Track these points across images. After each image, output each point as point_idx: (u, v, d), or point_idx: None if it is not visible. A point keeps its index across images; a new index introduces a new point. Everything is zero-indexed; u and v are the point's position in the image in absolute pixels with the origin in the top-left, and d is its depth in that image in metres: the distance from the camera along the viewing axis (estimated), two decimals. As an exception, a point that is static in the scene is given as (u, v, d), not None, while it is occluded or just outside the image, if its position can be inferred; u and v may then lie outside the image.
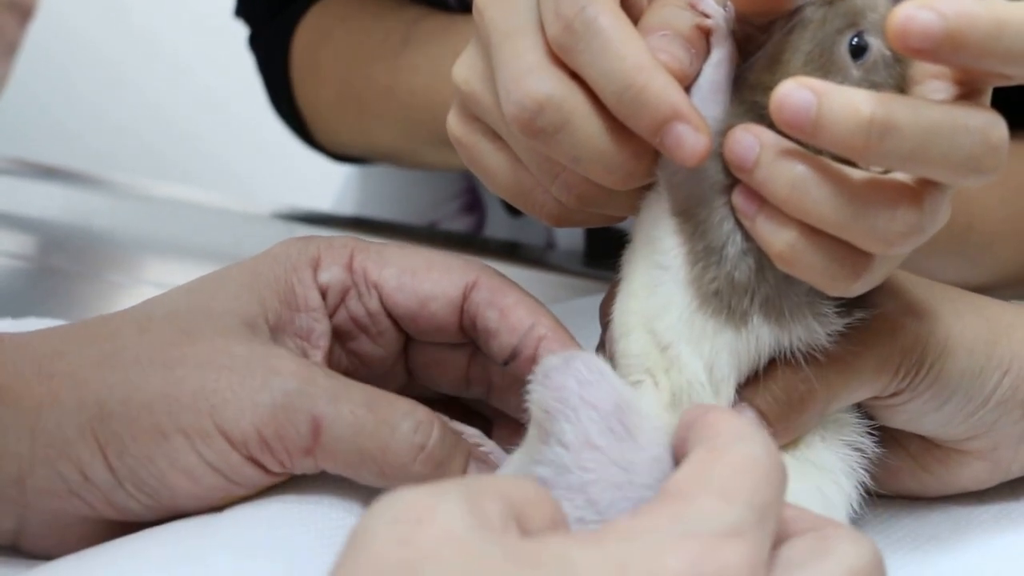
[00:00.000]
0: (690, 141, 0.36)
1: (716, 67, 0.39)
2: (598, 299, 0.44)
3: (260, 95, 0.75)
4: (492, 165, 0.42)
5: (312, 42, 0.70)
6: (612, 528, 0.30)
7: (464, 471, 0.39)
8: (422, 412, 0.39)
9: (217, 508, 0.39)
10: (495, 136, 0.41)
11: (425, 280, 0.42)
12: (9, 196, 0.71)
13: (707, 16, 0.39)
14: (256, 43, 0.74)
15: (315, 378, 0.38)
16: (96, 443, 0.38)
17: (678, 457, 0.36)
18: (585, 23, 0.37)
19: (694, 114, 0.36)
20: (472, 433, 0.42)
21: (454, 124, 0.43)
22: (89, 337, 0.40)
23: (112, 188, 0.74)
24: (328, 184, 0.94)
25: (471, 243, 0.43)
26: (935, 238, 0.49)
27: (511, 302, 0.42)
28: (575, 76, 0.38)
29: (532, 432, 0.37)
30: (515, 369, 0.43)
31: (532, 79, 0.37)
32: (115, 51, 1.86)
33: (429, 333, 0.43)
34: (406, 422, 0.38)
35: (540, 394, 0.36)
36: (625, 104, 0.37)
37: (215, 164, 1.83)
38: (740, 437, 0.33)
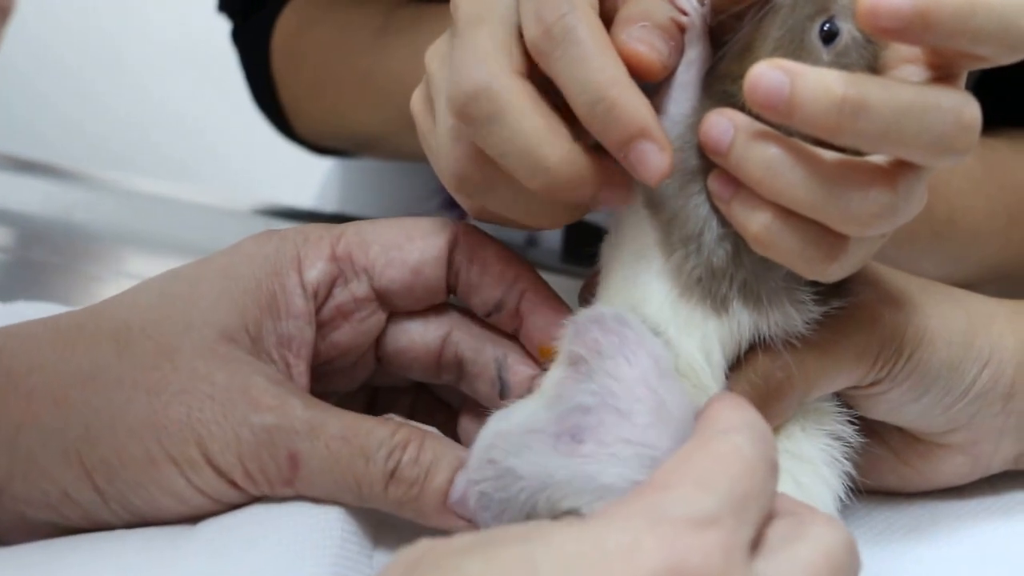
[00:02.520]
0: (654, 160, 0.37)
1: (688, 67, 0.40)
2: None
3: (243, 90, 0.75)
4: (431, 142, 0.42)
5: (292, 31, 0.71)
6: (594, 514, 0.31)
7: (449, 481, 0.39)
8: (400, 435, 0.40)
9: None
10: None
11: (412, 250, 0.43)
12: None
13: (684, 13, 0.39)
14: (238, 37, 0.75)
15: (292, 411, 0.39)
16: (82, 467, 0.39)
17: None
18: (564, 31, 0.37)
19: (660, 134, 0.37)
20: (429, 431, 0.42)
21: (416, 101, 0.43)
22: (65, 349, 0.40)
23: (91, 182, 0.74)
24: (310, 179, 0.95)
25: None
26: (916, 232, 0.50)
27: (492, 256, 0.43)
28: (528, 75, 0.38)
29: (558, 374, 0.39)
30: (497, 321, 0.43)
31: (476, 65, 0.38)
32: (95, 45, 1.86)
33: (420, 300, 0.44)
34: (380, 451, 0.39)
35: (595, 334, 0.38)
36: (596, 117, 0.37)
37: (198, 159, 1.83)
38: (729, 428, 0.34)
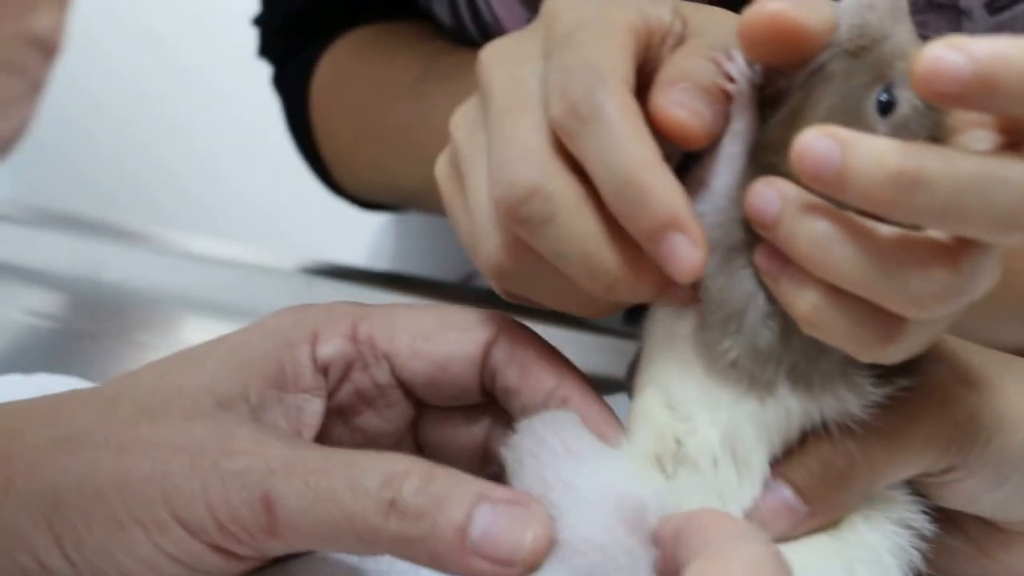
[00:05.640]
0: (685, 254, 0.35)
1: (734, 138, 0.38)
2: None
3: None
4: (460, 219, 0.41)
5: (330, 81, 0.71)
6: None
7: (468, 515, 0.35)
8: (399, 464, 0.36)
9: None
10: None
11: (441, 343, 0.41)
12: (29, 248, 0.72)
13: (731, 79, 0.38)
14: (279, 83, 0.75)
15: (267, 450, 0.37)
16: (51, 533, 0.38)
17: (667, 570, 0.35)
18: (592, 109, 0.36)
19: (694, 226, 0.35)
20: None
21: (441, 169, 0.42)
22: (50, 417, 0.40)
23: (133, 238, 0.74)
24: (361, 237, 0.94)
25: (503, 301, 0.42)
26: (999, 300, 0.47)
27: (533, 359, 0.41)
28: (576, 167, 0.37)
29: None
30: None
31: (524, 164, 0.37)
32: (146, 97, 1.90)
33: (449, 397, 0.42)
34: (371, 479, 0.36)
35: (504, 456, 0.37)
36: (623, 202, 0.36)
37: (248, 215, 1.85)
38: (740, 538, 0.32)
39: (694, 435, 0.38)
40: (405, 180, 0.67)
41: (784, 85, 0.38)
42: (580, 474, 0.37)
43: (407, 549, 0.36)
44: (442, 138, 0.42)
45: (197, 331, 0.67)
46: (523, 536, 0.35)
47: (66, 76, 1.17)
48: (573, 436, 0.38)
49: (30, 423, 0.39)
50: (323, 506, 0.36)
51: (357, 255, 0.91)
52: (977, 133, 0.36)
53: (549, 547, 0.35)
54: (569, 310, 0.40)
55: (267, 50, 0.75)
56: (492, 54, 0.40)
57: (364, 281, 0.71)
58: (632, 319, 0.65)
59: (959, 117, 0.37)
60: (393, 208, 0.77)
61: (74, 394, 0.41)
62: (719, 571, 0.31)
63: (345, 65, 0.70)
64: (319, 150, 0.72)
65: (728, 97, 0.38)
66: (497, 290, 0.41)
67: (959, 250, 0.34)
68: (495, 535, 0.35)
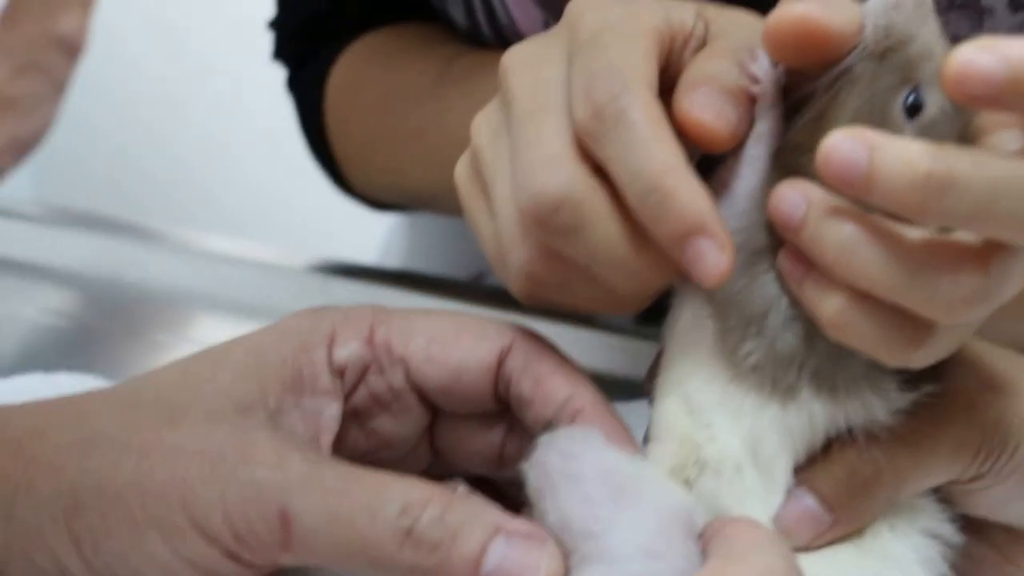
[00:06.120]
0: (711, 259, 0.35)
1: (757, 141, 0.38)
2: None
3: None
4: (483, 226, 0.40)
5: (345, 83, 0.70)
6: None
7: (483, 548, 0.35)
8: (418, 492, 0.36)
9: None
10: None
11: (456, 349, 0.41)
12: (47, 247, 0.72)
13: (755, 81, 0.37)
14: (293, 86, 0.74)
15: (288, 464, 0.37)
16: (70, 535, 0.37)
17: None
18: (617, 113, 0.35)
19: (720, 230, 0.35)
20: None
21: (461, 173, 0.42)
22: (71, 417, 0.39)
23: (151, 238, 0.74)
24: (374, 235, 0.94)
25: (515, 299, 0.42)
26: (1020, 300, 0.46)
27: (547, 369, 0.41)
28: (598, 169, 0.37)
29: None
30: None
31: (551, 173, 0.36)
32: (165, 96, 1.90)
33: (462, 405, 0.42)
34: (390, 506, 0.36)
35: (526, 473, 0.36)
36: (648, 207, 0.35)
37: (264, 214, 1.85)
38: (756, 546, 0.32)
39: (715, 441, 0.38)
40: (420, 183, 0.67)
41: (809, 88, 0.37)
42: (625, 487, 0.36)
43: None
44: (458, 141, 0.42)
45: (214, 330, 0.67)
46: (536, 571, 0.35)
47: (88, 77, 1.17)
48: (604, 450, 0.37)
49: (52, 423, 0.39)
50: (339, 528, 0.35)
51: (369, 254, 0.91)
52: (1006, 134, 0.36)
53: None
54: (599, 310, 0.40)
55: (282, 53, 0.74)
56: (515, 58, 0.40)
57: (377, 280, 0.71)
58: (646, 319, 0.65)
59: (987, 118, 0.36)
60: (406, 209, 0.77)
61: (95, 394, 0.41)
62: (730, 574, 0.31)
63: (360, 68, 0.70)
64: (333, 152, 0.72)
65: (752, 99, 0.37)
66: (519, 296, 0.40)
67: (988, 253, 0.34)
68: (509, 568, 0.35)
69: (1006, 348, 0.42)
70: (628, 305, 0.40)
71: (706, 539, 0.35)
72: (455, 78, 0.63)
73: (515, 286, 0.40)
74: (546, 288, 0.39)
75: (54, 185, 1.80)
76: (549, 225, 0.36)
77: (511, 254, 0.39)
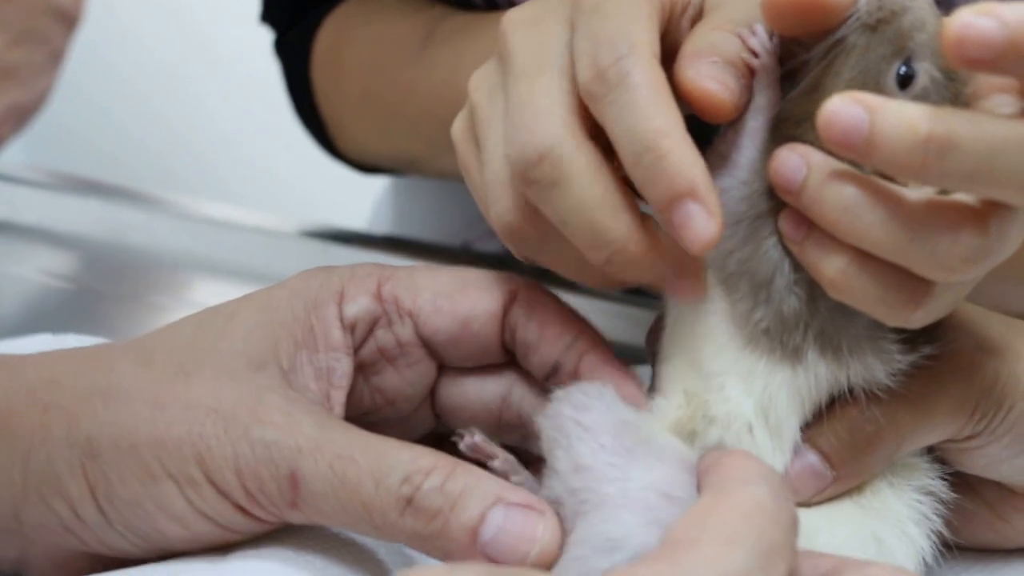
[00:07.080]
0: (700, 224, 0.35)
1: (756, 113, 0.38)
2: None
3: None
4: (474, 177, 0.41)
5: (333, 45, 0.70)
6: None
7: (482, 517, 0.36)
8: (425, 460, 0.37)
9: (219, 550, 0.39)
10: None
11: (463, 300, 0.42)
12: (49, 211, 0.73)
13: (755, 54, 0.38)
14: (280, 49, 0.74)
15: (299, 427, 0.38)
16: (86, 482, 0.38)
17: None
18: (619, 75, 0.36)
19: (711, 197, 0.35)
20: (504, 459, 0.40)
21: (457, 130, 0.42)
22: (86, 367, 0.40)
23: (149, 203, 0.74)
24: (363, 201, 0.94)
25: (504, 264, 0.42)
26: (1011, 264, 0.47)
27: (551, 314, 0.42)
28: (595, 134, 0.37)
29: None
30: (555, 384, 0.42)
31: (539, 127, 0.37)
32: (157, 65, 1.89)
33: (469, 356, 0.43)
34: (393, 474, 0.37)
35: (541, 425, 0.38)
36: (642, 167, 0.35)
37: (252, 180, 1.85)
38: (745, 480, 0.33)
39: (727, 403, 0.38)
40: (405, 143, 0.67)
41: (802, 57, 0.38)
42: (639, 437, 0.37)
43: (420, 544, 0.37)
44: (446, 101, 0.42)
45: (213, 293, 0.67)
46: (532, 542, 0.36)
47: (84, 47, 1.17)
48: (616, 403, 0.38)
49: (67, 372, 0.40)
50: (345, 493, 0.37)
51: (359, 219, 0.91)
52: (1001, 98, 0.36)
53: (556, 555, 0.36)
54: (572, 276, 0.40)
55: (269, 16, 0.74)
56: (514, 19, 0.40)
57: (368, 245, 0.71)
58: (634, 289, 0.65)
59: (981, 82, 0.37)
60: (393, 172, 0.76)
61: (110, 347, 0.41)
62: (717, 506, 0.32)
63: (348, 30, 0.70)
64: (320, 114, 0.72)
65: (751, 71, 0.38)
66: (512, 250, 0.41)
67: (987, 213, 0.35)
68: (505, 538, 0.36)
69: (997, 312, 0.43)
70: (596, 278, 0.40)
71: (701, 471, 0.36)
72: (442, 38, 0.63)
73: (501, 237, 0.40)
74: (526, 244, 0.40)
75: (47, 153, 1.80)
76: (530, 177, 0.37)
77: (495, 204, 0.39)
